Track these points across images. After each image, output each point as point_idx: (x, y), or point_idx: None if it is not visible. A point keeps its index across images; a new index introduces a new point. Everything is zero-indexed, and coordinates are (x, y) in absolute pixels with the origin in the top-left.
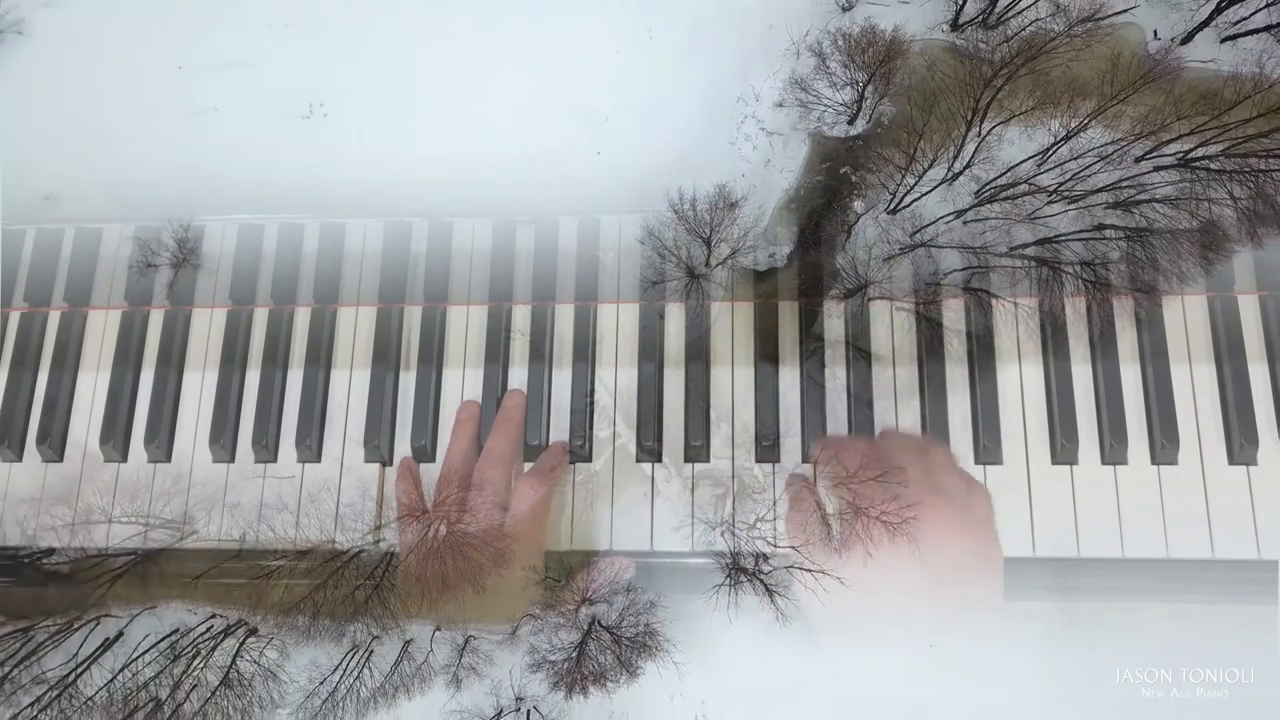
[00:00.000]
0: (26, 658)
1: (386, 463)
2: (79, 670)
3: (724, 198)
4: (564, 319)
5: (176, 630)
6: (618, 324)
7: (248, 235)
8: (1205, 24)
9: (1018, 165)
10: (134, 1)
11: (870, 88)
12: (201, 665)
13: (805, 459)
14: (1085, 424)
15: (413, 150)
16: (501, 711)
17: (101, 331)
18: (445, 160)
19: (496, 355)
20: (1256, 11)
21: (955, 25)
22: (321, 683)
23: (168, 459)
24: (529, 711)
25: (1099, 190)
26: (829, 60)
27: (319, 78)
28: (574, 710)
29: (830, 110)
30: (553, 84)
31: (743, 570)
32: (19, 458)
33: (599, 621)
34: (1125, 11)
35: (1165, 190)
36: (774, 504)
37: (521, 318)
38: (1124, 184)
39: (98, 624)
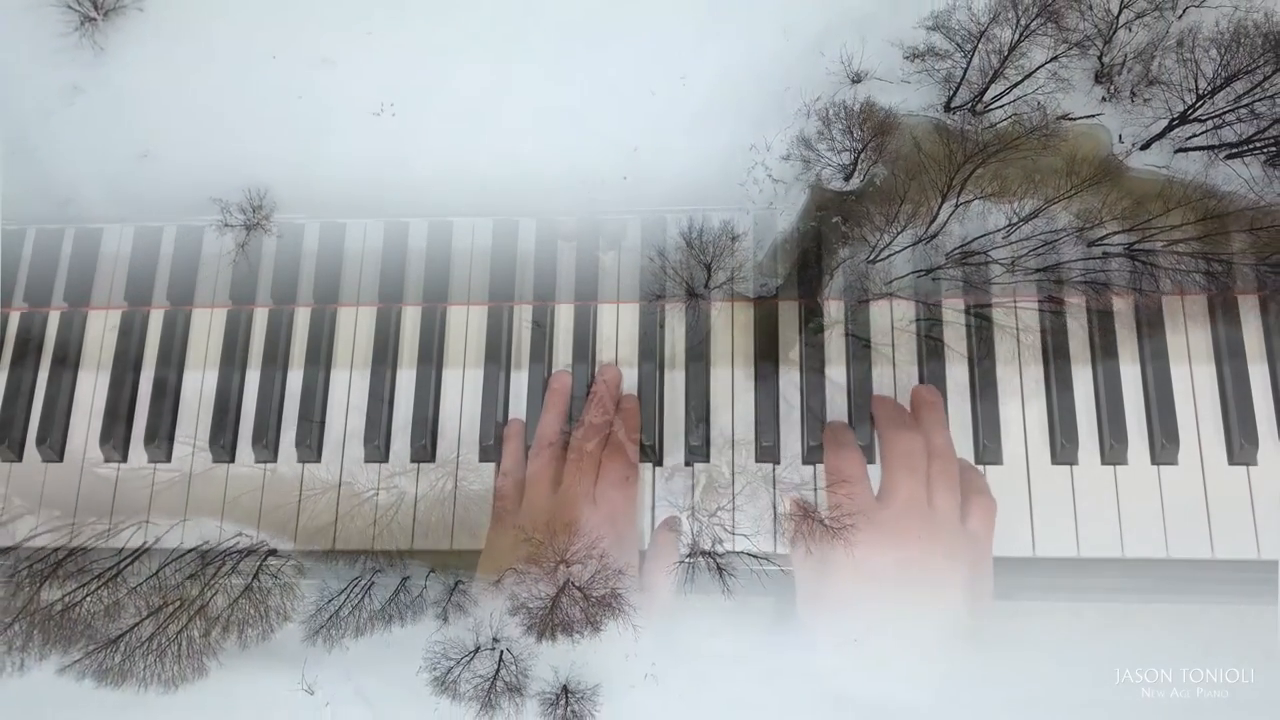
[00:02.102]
0: (76, 550)
1: (385, 461)
2: (123, 564)
3: (728, 232)
4: (564, 319)
5: (206, 542)
6: (618, 324)
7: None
8: (1160, 136)
9: (979, 238)
10: None
11: (863, 154)
12: (228, 573)
13: (806, 460)
14: (1085, 424)
15: (463, 155)
16: (479, 648)
17: (102, 331)
18: (494, 166)
19: (497, 355)
20: (1203, 132)
21: (948, 108)
22: (328, 602)
23: (168, 459)
24: (502, 651)
25: (1048, 267)
26: (832, 126)
27: (392, 82)
28: (541, 654)
29: (829, 168)
30: (594, 113)
31: (701, 551)
32: (19, 458)
33: (573, 581)
34: (1094, 116)
35: (1110, 273)
36: (735, 496)
37: (521, 317)
38: (1072, 263)
39: (138, 528)
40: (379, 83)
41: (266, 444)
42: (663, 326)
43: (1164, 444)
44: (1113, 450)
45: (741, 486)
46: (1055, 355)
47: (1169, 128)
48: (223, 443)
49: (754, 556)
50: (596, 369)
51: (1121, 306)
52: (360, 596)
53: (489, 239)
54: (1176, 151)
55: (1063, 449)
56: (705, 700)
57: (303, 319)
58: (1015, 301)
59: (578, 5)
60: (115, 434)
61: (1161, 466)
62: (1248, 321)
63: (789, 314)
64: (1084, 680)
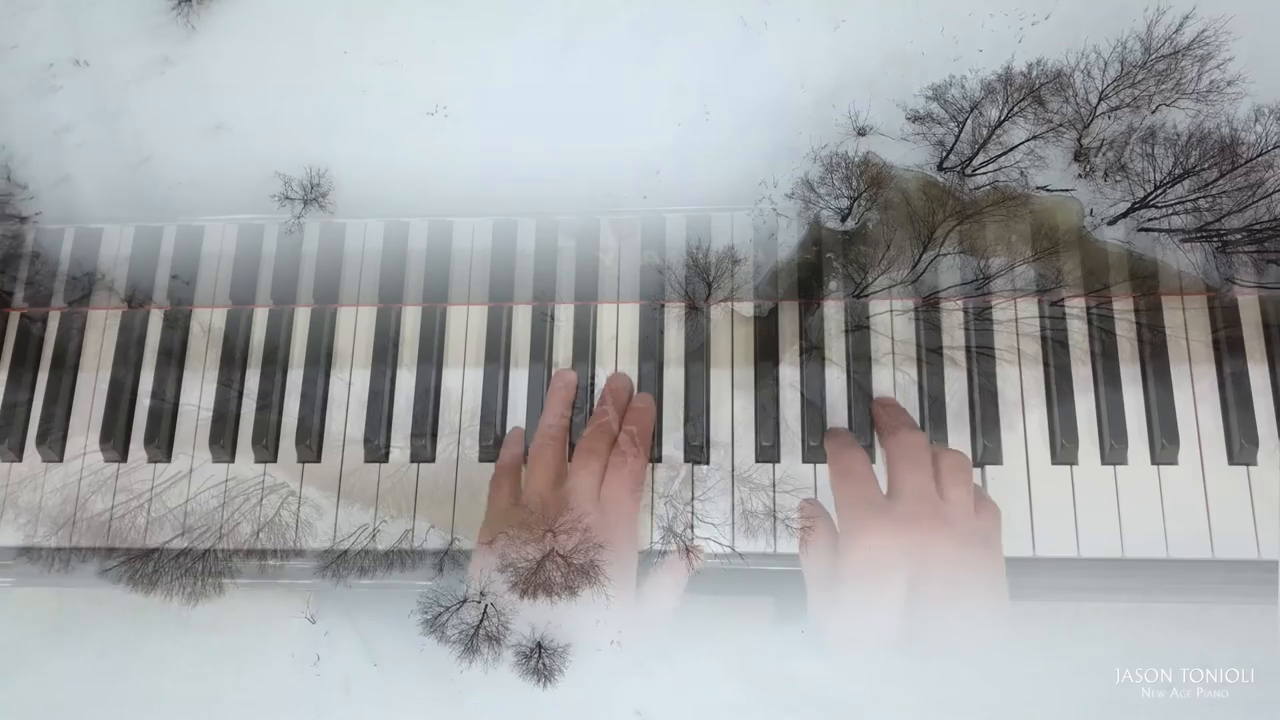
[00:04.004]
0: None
1: (385, 462)
2: (160, 489)
3: (730, 256)
4: (564, 319)
5: (233, 477)
6: (618, 324)
7: (248, 235)
8: (1123, 216)
9: (950, 288)
10: None
11: (859, 201)
12: (254, 506)
13: (805, 460)
14: (1085, 424)
15: (503, 159)
16: (467, 599)
17: (101, 331)
18: (530, 169)
19: (497, 355)
20: (1161, 217)
21: (940, 167)
22: (338, 543)
23: (168, 459)
24: (487, 605)
25: (1011, 320)
26: (833, 173)
27: (448, 87)
28: (521, 610)
29: (828, 209)
30: (623, 136)
31: (673, 533)
32: (19, 458)
33: (557, 549)
34: (1068, 191)
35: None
36: (710, 488)
37: (521, 317)
38: (1032, 319)
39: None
40: (436, 86)
41: (266, 444)
42: (663, 332)
43: (1164, 444)
44: (1113, 450)
45: (716, 481)
46: (1055, 355)
47: (1130, 209)
48: (222, 443)
49: (723, 547)
50: (598, 370)
51: (1121, 308)
52: (366, 542)
53: (489, 239)
54: (1138, 230)
55: (1063, 449)
56: (663, 671)
57: (303, 319)
58: (1016, 303)
59: (622, 43)
60: (115, 434)
61: (1161, 466)
62: (1248, 322)
63: (788, 324)
64: (1084, 680)
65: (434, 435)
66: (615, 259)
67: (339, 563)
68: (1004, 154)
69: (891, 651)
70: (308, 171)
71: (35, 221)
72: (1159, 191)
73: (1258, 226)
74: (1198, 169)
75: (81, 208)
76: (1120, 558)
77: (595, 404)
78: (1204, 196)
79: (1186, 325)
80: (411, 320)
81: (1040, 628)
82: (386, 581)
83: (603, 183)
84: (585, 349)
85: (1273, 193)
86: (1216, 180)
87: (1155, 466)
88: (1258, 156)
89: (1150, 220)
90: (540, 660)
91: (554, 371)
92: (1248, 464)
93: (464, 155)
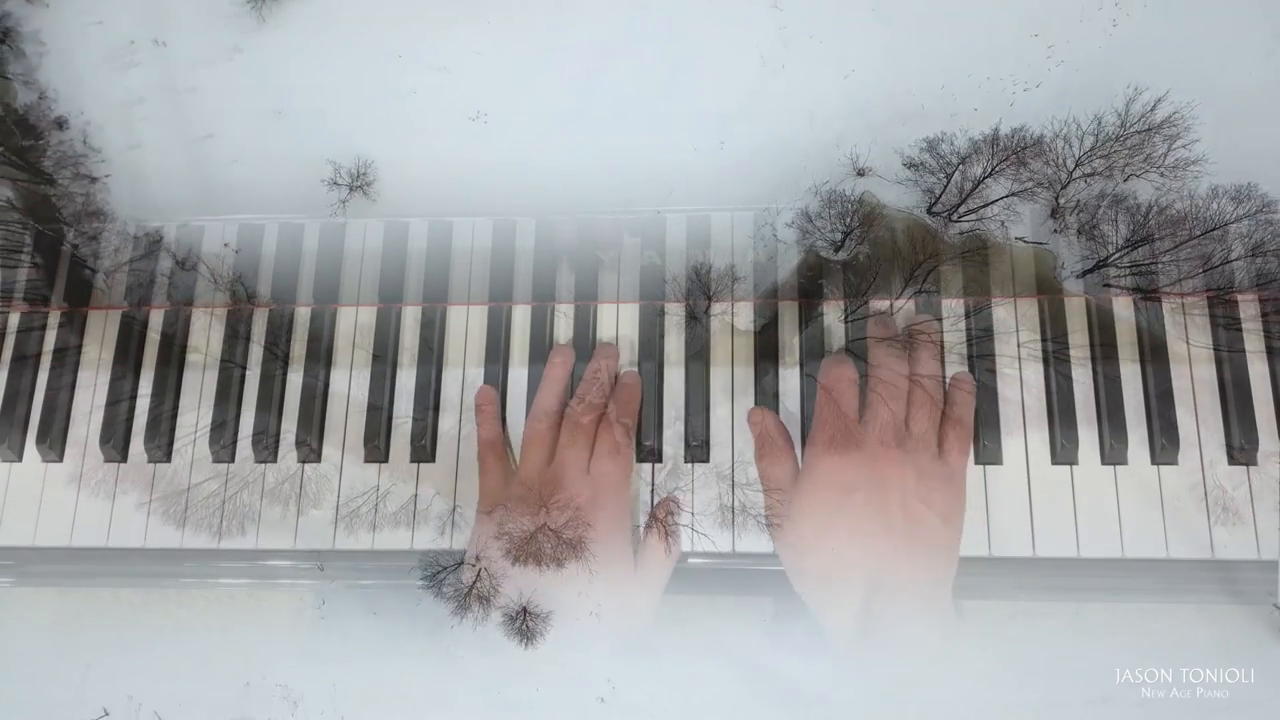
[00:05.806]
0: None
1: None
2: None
3: (730, 274)
4: (563, 318)
5: (262, 433)
6: (618, 324)
7: (248, 235)
8: (1089, 272)
9: (930, 320)
10: None
11: (851, 236)
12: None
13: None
14: (1085, 424)
15: (531, 169)
16: (464, 561)
17: (102, 331)
18: (554, 181)
19: (497, 355)
20: (1125, 276)
21: (929, 211)
22: (349, 502)
23: (168, 459)
24: (481, 569)
25: (984, 355)
26: (830, 208)
27: (490, 94)
28: (511, 576)
29: (823, 240)
30: (644, 156)
31: (655, 518)
32: (19, 458)
33: (549, 524)
34: (1043, 244)
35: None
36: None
37: (521, 317)
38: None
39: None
40: (480, 93)
41: (266, 444)
42: (663, 335)
43: (1164, 444)
44: (1113, 450)
45: (703, 475)
46: (1055, 355)
47: (1094, 267)
48: (222, 442)
49: (699, 534)
50: (596, 348)
51: (1122, 307)
52: (376, 503)
53: (489, 239)
54: (1104, 285)
55: (1063, 449)
56: (633, 648)
57: (303, 319)
58: (1015, 302)
59: (650, 72)
60: (115, 434)
61: (1161, 466)
62: (1248, 322)
63: (785, 334)
64: (1084, 680)
65: (434, 435)
66: (615, 258)
67: (353, 517)
68: (984, 206)
69: (840, 578)
70: (356, 160)
71: (105, 183)
72: (1118, 254)
73: (1208, 292)
74: (1153, 238)
75: (147, 175)
76: (1120, 558)
77: (584, 378)
78: (1157, 263)
79: (1186, 324)
80: (411, 320)
81: (1040, 628)
82: (393, 538)
83: (621, 197)
84: (585, 348)
85: (1220, 265)
86: (1171, 250)
87: (1155, 466)
88: (1211, 230)
89: (1113, 278)
90: (524, 623)
91: (553, 348)
92: (1246, 464)
93: (496, 161)
